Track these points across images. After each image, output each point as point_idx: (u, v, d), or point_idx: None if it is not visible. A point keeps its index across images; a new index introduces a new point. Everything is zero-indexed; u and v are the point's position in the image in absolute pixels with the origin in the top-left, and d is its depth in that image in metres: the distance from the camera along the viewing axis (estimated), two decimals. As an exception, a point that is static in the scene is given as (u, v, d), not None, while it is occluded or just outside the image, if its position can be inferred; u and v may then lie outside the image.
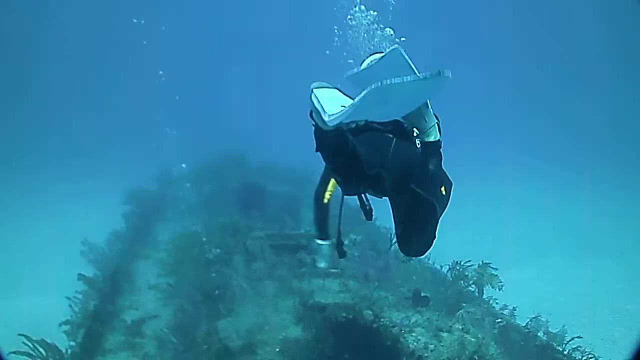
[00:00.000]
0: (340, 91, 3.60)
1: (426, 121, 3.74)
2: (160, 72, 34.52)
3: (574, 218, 20.69)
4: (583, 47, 45.07)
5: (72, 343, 7.15)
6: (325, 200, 5.29)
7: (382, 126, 4.23)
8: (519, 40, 50.61)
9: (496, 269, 7.29)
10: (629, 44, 37.60)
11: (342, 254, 5.13)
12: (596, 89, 42.61)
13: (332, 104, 3.33)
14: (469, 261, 7.36)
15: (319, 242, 5.38)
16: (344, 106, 3.24)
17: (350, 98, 3.41)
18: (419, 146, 3.99)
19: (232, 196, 12.62)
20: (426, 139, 3.76)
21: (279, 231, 9.63)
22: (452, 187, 4.04)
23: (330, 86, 3.61)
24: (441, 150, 3.86)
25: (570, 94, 44.03)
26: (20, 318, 6.87)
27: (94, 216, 16.74)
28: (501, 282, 7.22)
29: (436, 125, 3.79)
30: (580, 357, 7.13)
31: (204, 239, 8.41)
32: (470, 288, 7.67)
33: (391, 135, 4.18)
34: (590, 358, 7.07)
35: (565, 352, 7.29)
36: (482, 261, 7.41)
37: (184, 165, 18.31)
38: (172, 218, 13.68)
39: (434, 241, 3.89)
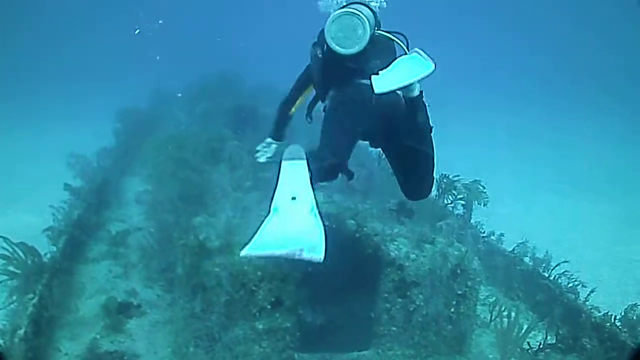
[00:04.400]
0: (308, 165, 3.38)
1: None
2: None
3: (572, 157, 20.56)
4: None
5: (54, 248, 7.07)
6: (292, 111, 5.12)
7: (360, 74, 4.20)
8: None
9: (485, 187, 7.19)
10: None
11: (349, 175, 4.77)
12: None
13: (286, 192, 3.17)
14: (458, 175, 7.26)
15: (270, 140, 5.31)
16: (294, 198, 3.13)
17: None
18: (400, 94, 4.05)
19: (225, 117, 12.41)
20: (410, 94, 3.83)
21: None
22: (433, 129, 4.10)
23: (302, 157, 3.38)
24: (424, 100, 3.95)
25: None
26: (10, 234, 6.75)
27: (84, 133, 16.59)
28: (487, 198, 7.13)
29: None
30: (566, 283, 7.10)
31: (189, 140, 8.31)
32: (457, 209, 7.58)
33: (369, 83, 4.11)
34: (577, 285, 7.03)
35: (551, 279, 7.27)
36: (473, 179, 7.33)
37: (179, 94, 17.94)
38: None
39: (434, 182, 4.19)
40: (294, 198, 3.08)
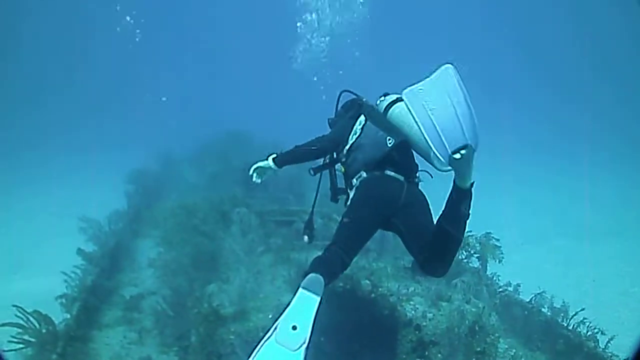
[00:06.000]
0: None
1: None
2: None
3: (580, 201, 20.38)
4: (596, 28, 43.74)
5: (67, 315, 7.04)
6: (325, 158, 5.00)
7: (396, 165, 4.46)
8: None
9: (498, 240, 7.14)
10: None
11: (310, 238, 5.06)
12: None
13: (291, 319, 3.47)
14: (470, 231, 7.21)
15: (271, 163, 4.84)
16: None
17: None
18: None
19: (236, 176, 12.49)
20: (464, 185, 3.83)
21: (280, 207, 9.54)
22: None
23: (318, 293, 3.63)
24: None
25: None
26: (22, 300, 6.77)
27: (95, 195, 16.64)
28: (502, 254, 7.08)
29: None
30: (585, 331, 7.00)
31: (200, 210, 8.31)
32: (472, 262, 7.51)
33: (402, 179, 4.41)
34: (597, 333, 6.92)
35: (570, 328, 7.16)
36: (485, 233, 7.27)
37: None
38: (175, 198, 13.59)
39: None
40: (294, 327, 3.37)
